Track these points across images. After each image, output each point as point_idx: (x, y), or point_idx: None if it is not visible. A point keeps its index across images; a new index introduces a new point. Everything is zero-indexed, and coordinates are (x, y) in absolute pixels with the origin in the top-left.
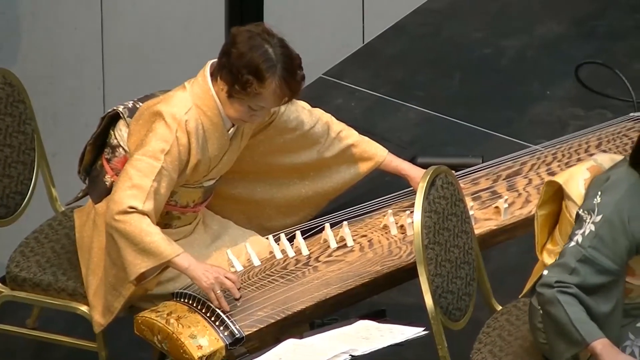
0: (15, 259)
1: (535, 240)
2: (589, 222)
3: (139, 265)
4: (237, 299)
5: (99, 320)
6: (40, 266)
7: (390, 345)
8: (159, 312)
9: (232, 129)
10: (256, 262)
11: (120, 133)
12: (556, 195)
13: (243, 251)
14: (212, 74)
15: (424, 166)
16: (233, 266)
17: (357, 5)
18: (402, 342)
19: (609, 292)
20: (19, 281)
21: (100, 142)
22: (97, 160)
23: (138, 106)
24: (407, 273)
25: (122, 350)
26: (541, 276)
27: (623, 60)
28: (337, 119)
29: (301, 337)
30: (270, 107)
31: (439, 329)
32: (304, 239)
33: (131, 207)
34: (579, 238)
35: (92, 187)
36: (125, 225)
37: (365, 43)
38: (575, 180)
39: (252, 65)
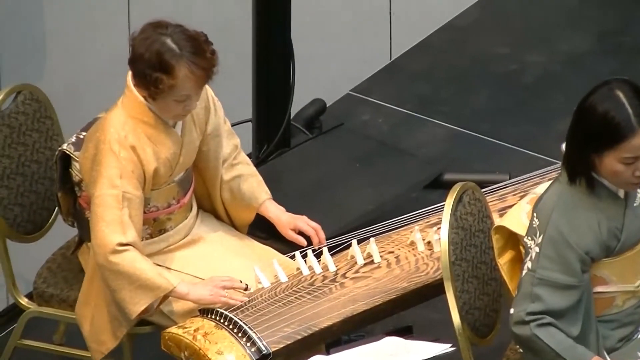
0: (42, 275)
1: (509, 290)
2: (533, 247)
3: (138, 303)
4: (245, 290)
5: (99, 348)
6: (67, 282)
7: None
8: (186, 328)
9: (177, 124)
10: (283, 278)
11: (77, 168)
12: (511, 238)
13: (270, 267)
14: (135, 85)
15: (451, 182)
16: (260, 282)
17: (384, 22)
18: (428, 358)
19: (576, 312)
20: (46, 297)
21: (69, 184)
22: (75, 201)
23: (82, 137)
24: (434, 289)
25: None
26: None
27: None
28: (365, 135)
29: (328, 354)
30: (194, 93)
31: (466, 345)
32: (331, 255)
33: (118, 244)
34: (528, 264)
35: (80, 227)
36: (119, 267)
37: (392, 60)
38: (518, 217)
39: (153, 62)
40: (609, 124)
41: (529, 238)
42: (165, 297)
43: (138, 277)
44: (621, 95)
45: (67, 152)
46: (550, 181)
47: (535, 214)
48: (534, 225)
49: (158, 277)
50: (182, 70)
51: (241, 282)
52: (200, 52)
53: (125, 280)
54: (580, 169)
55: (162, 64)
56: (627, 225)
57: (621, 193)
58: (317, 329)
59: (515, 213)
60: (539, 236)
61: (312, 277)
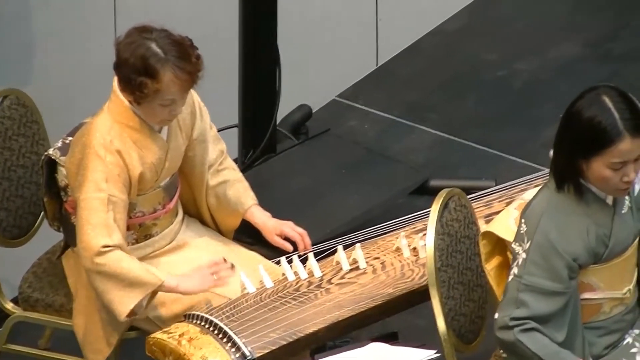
0: (27, 280)
1: (495, 295)
2: (521, 252)
3: (127, 302)
4: (231, 268)
5: (94, 357)
6: (52, 287)
7: None
8: (170, 333)
9: (163, 130)
10: (269, 283)
11: (63, 173)
12: (498, 244)
13: (255, 273)
14: (120, 89)
15: (438, 189)
16: (245, 287)
17: (370, 27)
18: None
19: (561, 318)
20: (31, 302)
21: (54, 189)
22: (61, 206)
23: (68, 142)
24: (419, 295)
25: None
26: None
27: (637, 83)
28: (352, 141)
29: None
30: (180, 97)
31: (451, 352)
32: (316, 261)
33: (103, 246)
34: (515, 270)
35: (66, 232)
36: (105, 268)
37: (379, 65)
38: (506, 223)
39: (138, 66)
40: (595, 129)
41: (517, 244)
42: (154, 293)
43: (125, 276)
44: (607, 100)
45: (53, 157)
46: (538, 187)
47: (523, 220)
48: (522, 231)
49: (145, 273)
50: (167, 74)
51: (225, 261)
52: (186, 56)
53: (112, 280)
54: (568, 175)
55: (146, 69)
56: (615, 232)
57: (609, 200)
58: (302, 335)
59: (503, 219)
60: (527, 242)
61: (297, 283)
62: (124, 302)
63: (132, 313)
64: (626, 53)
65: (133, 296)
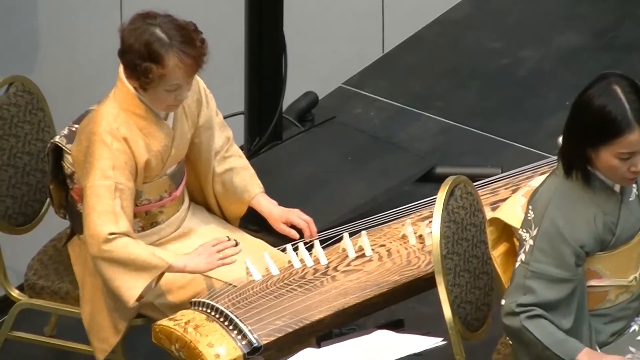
0: (33, 267)
1: (502, 282)
2: (528, 239)
3: (135, 287)
4: (236, 245)
5: (101, 346)
6: (58, 274)
7: (408, 356)
8: (176, 320)
9: (169, 117)
10: (274, 271)
11: (70, 161)
12: (505, 231)
13: (261, 260)
14: (126, 76)
15: (443, 176)
16: (251, 275)
17: (376, 15)
18: (420, 352)
19: (568, 305)
20: (37, 289)
21: (60, 176)
22: (67, 193)
23: (74, 129)
24: (425, 283)
25: (140, 358)
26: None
27: None
28: (357, 128)
29: (319, 347)
30: (185, 82)
31: (457, 339)
32: (322, 248)
33: (110, 233)
34: (522, 257)
35: (72, 220)
36: (112, 254)
37: (384, 53)
38: (513, 210)
39: (143, 52)
40: (605, 119)
41: (524, 230)
42: (161, 275)
43: (133, 261)
44: (619, 90)
45: (59, 145)
46: (544, 175)
47: (530, 207)
48: (529, 218)
49: (152, 257)
50: (172, 59)
51: (228, 239)
52: (190, 41)
53: (120, 267)
54: (576, 162)
55: (151, 54)
56: (622, 220)
57: (617, 187)
58: (308, 322)
59: (511, 205)
60: (534, 229)
61: (303, 270)
62: (132, 287)
63: (140, 297)
64: (630, 42)
65: (141, 280)
